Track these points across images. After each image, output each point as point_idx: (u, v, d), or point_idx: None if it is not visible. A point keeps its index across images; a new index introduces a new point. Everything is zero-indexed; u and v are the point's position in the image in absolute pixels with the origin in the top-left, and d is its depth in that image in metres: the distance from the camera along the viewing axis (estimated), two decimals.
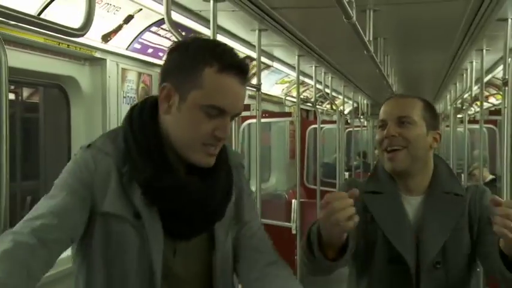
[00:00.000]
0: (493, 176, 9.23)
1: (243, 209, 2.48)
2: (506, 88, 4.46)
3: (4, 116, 2.41)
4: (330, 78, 9.31)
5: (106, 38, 5.04)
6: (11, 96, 6.23)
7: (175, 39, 5.84)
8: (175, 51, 2.22)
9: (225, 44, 2.26)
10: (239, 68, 2.14)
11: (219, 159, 2.27)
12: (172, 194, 2.14)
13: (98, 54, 5.12)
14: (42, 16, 3.92)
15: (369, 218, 2.79)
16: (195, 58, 2.12)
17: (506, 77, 5.03)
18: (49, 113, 5.85)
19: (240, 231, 2.45)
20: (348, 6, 3.43)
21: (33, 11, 3.92)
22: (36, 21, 3.01)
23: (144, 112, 2.22)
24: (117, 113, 5.41)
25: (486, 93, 8.46)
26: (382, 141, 2.74)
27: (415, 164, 2.76)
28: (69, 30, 2.79)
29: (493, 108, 9.52)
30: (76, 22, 2.77)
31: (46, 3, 4.00)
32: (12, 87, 6.03)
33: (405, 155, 2.72)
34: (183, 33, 4.65)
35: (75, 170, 2.14)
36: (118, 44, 5.27)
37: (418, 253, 2.72)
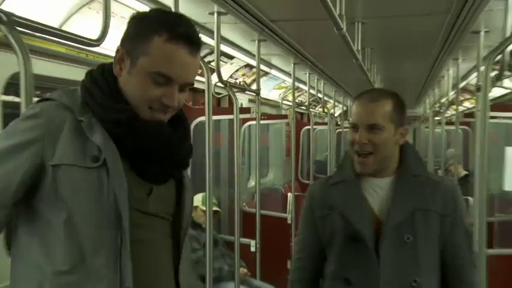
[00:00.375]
0: (467, 172, 9.30)
1: None
2: (479, 93, 4.52)
3: None
4: (322, 84, 9.31)
5: None
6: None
7: None
8: (134, 19, 2.11)
9: (180, 15, 2.19)
10: (188, 38, 2.02)
11: (182, 122, 2.23)
12: (146, 133, 2.04)
13: None
14: (63, 28, 4.01)
15: (327, 210, 2.84)
16: (148, 27, 2.03)
17: (479, 83, 5.10)
18: None
19: None
20: (338, 18, 3.46)
21: (56, 24, 4.00)
22: (58, 33, 3.10)
23: (106, 71, 2.13)
24: None
25: (461, 98, 8.52)
26: (354, 144, 2.73)
27: (383, 163, 2.76)
28: (88, 41, 2.90)
29: (467, 111, 9.60)
30: (93, 34, 2.87)
31: (67, 16, 4.08)
32: (38, 92, 6.08)
33: (373, 160, 2.72)
34: None
35: (24, 123, 1.98)
36: None
37: (380, 231, 2.70)
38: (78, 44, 3.22)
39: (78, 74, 4.93)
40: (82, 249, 1.95)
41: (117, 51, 2.07)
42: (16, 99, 3.67)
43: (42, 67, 4.31)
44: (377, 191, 2.79)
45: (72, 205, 1.94)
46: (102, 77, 2.10)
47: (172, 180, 2.23)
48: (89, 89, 2.07)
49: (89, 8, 4.12)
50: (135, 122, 2.02)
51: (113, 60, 2.10)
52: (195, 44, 2.05)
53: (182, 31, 2.01)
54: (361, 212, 2.74)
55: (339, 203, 2.79)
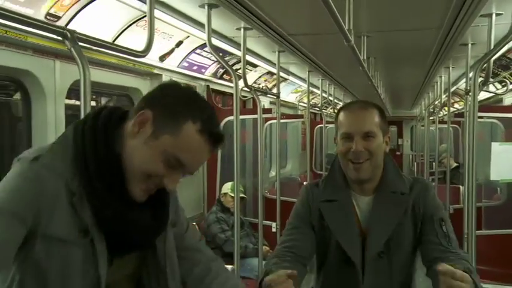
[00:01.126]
0: (457, 164, 9.28)
1: (175, 212, 2.06)
2: (469, 96, 4.51)
3: None
4: (332, 88, 9.28)
5: (162, 58, 5.17)
6: (93, 103, 6.35)
7: (214, 59, 5.98)
8: (169, 89, 1.82)
9: (213, 110, 1.81)
10: (217, 139, 1.76)
11: (165, 201, 1.90)
12: (124, 225, 1.72)
13: (156, 71, 5.28)
14: (116, 42, 4.05)
15: (325, 225, 2.55)
16: (184, 108, 1.71)
17: (468, 88, 5.10)
18: None
19: (175, 234, 2.03)
20: (347, 32, 3.46)
21: (110, 39, 4.05)
22: (112, 46, 3.14)
23: (112, 122, 1.76)
24: None
25: (452, 101, 8.48)
26: (347, 153, 2.45)
27: (376, 170, 2.51)
28: (136, 53, 2.92)
29: (457, 112, 9.59)
30: (140, 46, 2.90)
31: (119, 32, 4.12)
32: (94, 96, 6.15)
33: (369, 165, 2.45)
34: (220, 54, 4.76)
35: (18, 188, 1.59)
36: (171, 63, 5.39)
37: (364, 247, 2.48)
38: (127, 55, 3.26)
39: (126, 80, 5.02)
40: None
41: (143, 113, 1.69)
42: (77, 103, 3.70)
43: (98, 75, 4.37)
44: (363, 208, 2.55)
45: (51, 276, 1.62)
46: (100, 143, 1.71)
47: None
48: (85, 152, 1.69)
49: (136, 25, 4.16)
50: (118, 219, 1.70)
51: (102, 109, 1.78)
52: (219, 144, 1.79)
53: (215, 129, 1.76)
54: (353, 239, 2.49)
55: (331, 223, 2.53)
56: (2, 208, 1.53)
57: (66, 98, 4.06)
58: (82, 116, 2.48)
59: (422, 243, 2.52)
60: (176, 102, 1.73)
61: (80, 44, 2.45)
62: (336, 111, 10.51)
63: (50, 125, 3.84)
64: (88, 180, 1.66)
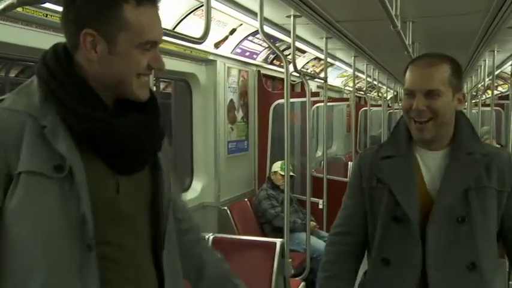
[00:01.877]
0: (499, 145, 9.12)
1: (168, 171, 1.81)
2: None
3: None
4: (377, 73, 9.20)
5: (217, 45, 5.17)
6: (153, 88, 6.43)
7: (265, 45, 5.97)
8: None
9: None
10: None
11: (155, 104, 1.71)
12: (122, 137, 1.56)
13: (211, 57, 5.27)
14: (176, 30, 4.08)
15: (374, 183, 2.23)
16: (109, 1, 1.51)
17: None
18: (178, 99, 5.97)
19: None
20: (395, 18, 3.43)
21: (170, 27, 4.08)
22: (172, 33, 3.15)
23: (61, 59, 1.57)
24: (224, 99, 5.57)
25: (495, 84, 8.31)
26: (410, 110, 2.13)
27: (442, 130, 2.14)
28: (194, 39, 2.92)
29: (500, 95, 9.37)
30: (197, 34, 2.89)
31: (178, 21, 4.15)
32: (154, 81, 6.22)
33: (432, 125, 2.10)
34: (271, 41, 4.75)
35: None
36: (225, 49, 5.39)
37: (432, 208, 2.11)
38: (187, 41, 3.27)
39: (184, 66, 5.05)
40: (40, 266, 1.46)
41: (85, 34, 1.49)
42: None
43: None
44: (430, 166, 2.19)
45: (32, 217, 1.46)
46: (61, 68, 1.55)
47: (147, 166, 1.71)
48: (49, 85, 1.53)
49: (194, 14, 4.16)
50: (111, 130, 1.53)
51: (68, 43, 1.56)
52: None
53: None
54: (410, 193, 2.15)
55: (389, 179, 2.20)
56: None
57: None
58: None
59: (505, 216, 2.17)
60: (97, 2, 1.51)
61: None
62: (379, 94, 10.49)
63: None
64: (64, 106, 1.49)
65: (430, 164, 2.19)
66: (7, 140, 1.45)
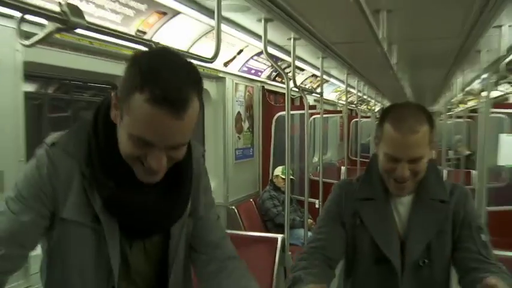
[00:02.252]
0: (470, 152, 9.17)
1: (199, 204, 1.70)
2: (483, 94, 4.44)
3: None
4: (366, 88, 9.22)
5: (226, 64, 5.18)
6: None
7: (268, 64, 5.99)
8: (136, 59, 1.32)
9: (166, 69, 1.26)
10: (171, 102, 1.23)
11: (182, 166, 1.49)
12: (132, 211, 1.45)
13: (221, 75, 5.29)
14: (190, 51, 4.10)
15: (357, 222, 2.03)
16: (133, 79, 1.26)
17: (481, 88, 5.06)
18: None
19: (196, 226, 1.72)
20: (381, 41, 3.44)
21: (185, 48, 4.10)
22: (185, 54, 3.16)
23: (103, 115, 1.44)
24: (232, 111, 5.60)
25: (467, 99, 8.40)
26: (391, 172, 1.91)
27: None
28: (206, 59, 2.93)
29: (470, 108, 9.49)
30: (209, 54, 2.91)
31: (192, 43, 4.17)
32: None
33: (411, 183, 1.94)
34: (274, 60, 4.76)
35: (34, 175, 1.40)
36: (233, 67, 5.40)
37: (403, 253, 1.96)
38: (200, 61, 3.27)
39: None
40: None
41: (112, 95, 1.36)
42: None
43: None
44: (400, 211, 2.03)
45: (69, 258, 1.47)
46: (102, 125, 1.43)
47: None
48: (91, 138, 1.44)
49: (206, 37, 4.17)
50: (116, 200, 1.42)
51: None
52: (178, 105, 1.25)
53: (165, 93, 1.23)
54: (390, 238, 1.98)
55: (369, 222, 2.01)
56: (21, 195, 1.40)
57: None
58: None
59: (458, 250, 2.00)
60: (128, 75, 1.29)
61: None
62: (369, 107, 10.50)
63: None
64: (92, 165, 1.41)
65: (400, 208, 2.04)
66: (58, 184, 1.41)
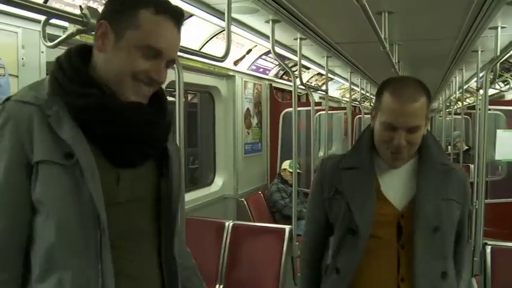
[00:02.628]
0: (468, 147, 9.13)
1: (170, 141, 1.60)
2: (478, 93, 4.43)
3: (181, 109, 2.57)
4: (369, 86, 9.22)
5: (236, 63, 5.21)
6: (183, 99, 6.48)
7: (276, 63, 6.01)
8: None
9: None
10: (174, 12, 1.42)
11: (161, 99, 1.53)
12: (119, 118, 1.38)
13: (231, 73, 5.32)
14: (202, 50, 4.12)
15: (332, 193, 1.96)
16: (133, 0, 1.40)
17: (478, 86, 5.04)
18: (203, 108, 6.02)
19: None
20: (383, 41, 3.45)
21: (197, 48, 4.12)
22: (197, 53, 3.20)
23: (72, 55, 1.44)
24: (241, 107, 5.62)
25: (464, 96, 8.39)
26: (388, 142, 1.83)
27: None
28: (217, 58, 2.96)
29: (468, 106, 9.47)
30: (219, 53, 2.92)
31: (204, 42, 4.19)
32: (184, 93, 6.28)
33: (406, 154, 1.86)
34: (281, 59, 4.78)
35: (2, 129, 1.34)
36: (242, 66, 5.43)
37: (414, 219, 1.83)
38: (211, 60, 3.30)
39: (208, 81, 5.08)
40: (59, 253, 1.32)
41: (99, 25, 1.40)
42: (171, 99, 3.82)
43: (188, 77, 4.38)
44: (394, 179, 1.93)
45: (49, 204, 1.33)
46: (68, 62, 1.41)
47: (152, 160, 1.50)
48: (57, 77, 1.40)
49: (217, 38, 4.20)
50: (103, 106, 1.36)
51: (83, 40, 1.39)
52: (180, 17, 1.45)
53: (168, 5, 1.42)
54: (366, 206, 1.87)
55: (347, 190, 1.92)
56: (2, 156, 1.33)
57: None
58: (177, 111, 2.52)
59: (457, 227, 1.98)
60: (121, 1, 1.42)
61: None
62: (371, 104, 10.48)
63: None
64: (63, 90, 1.37)
65: (393, 176, 1.93)
66: (21, 131, 1.32)
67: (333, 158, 2.08)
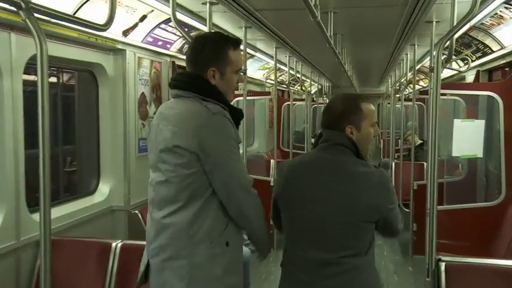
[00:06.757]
0: (422, 141, 9.40)
1: None
2: (432, 74, 4.53)
3: (45, 92, 2.46)
4: (300, 65, 9.34)
5: (126, 33, 5.10)
6: (54, 79, 6.23)
7: (180, 34, 5.92)
8: (207, 41, 2.83)
9: (225, 34, 2.96)
10: (238, 44, 2.89)
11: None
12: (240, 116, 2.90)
13: (119, 46, 5.19)
14: (76, 15, 3.97)
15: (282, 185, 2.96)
16: (223, 46, 2.80)
17: (432, 65, 5.14)
18: (82, 92, 5.87)
19: None
20: (314, 8, 3.45)
21: (70, 11, 3.97)
22: (70, 18, 3.08)
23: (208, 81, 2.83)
24: (134, 92, 5.48)
25: (417, 78, 8.59)
26: (376, 134, 2.91)
27: None
28: (97, 26, 2.85)
29: (422, 90, 9.68)
30: (102, 20, 2.84)
31: (79, 5, 4.04)
32: (55, 72, 6.05)
33: None
34: (186, 29, 4.71)
35: (228, 124, 2.74)
36: (135, 37, 5.33)
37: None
38: (88, 28, 3.19)
39: (88, 56, 4.93)
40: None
41: (211, 71, 2.78)
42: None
43: (58, 49, 4.28)
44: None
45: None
46: (213, 87, 2.78)
47: None
48: (213, 96, 2.77)
49: None
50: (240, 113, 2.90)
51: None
52: (240, 42, 2.99)
53: (235, 41, 2.88)
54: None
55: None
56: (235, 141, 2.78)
57: (26, 73, 3.96)
58: (39, 92, 2.44)
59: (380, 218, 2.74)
60: (216, 49, 2.81)
61: (37, 15, 2.36)
62: (303, 88, 10.63)
63: (6, 100, 3.71)
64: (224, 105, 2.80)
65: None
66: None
67: (287, 162, 3.28)
